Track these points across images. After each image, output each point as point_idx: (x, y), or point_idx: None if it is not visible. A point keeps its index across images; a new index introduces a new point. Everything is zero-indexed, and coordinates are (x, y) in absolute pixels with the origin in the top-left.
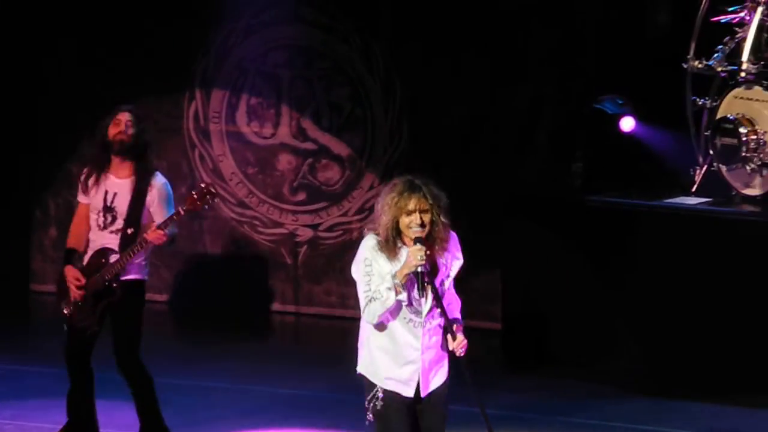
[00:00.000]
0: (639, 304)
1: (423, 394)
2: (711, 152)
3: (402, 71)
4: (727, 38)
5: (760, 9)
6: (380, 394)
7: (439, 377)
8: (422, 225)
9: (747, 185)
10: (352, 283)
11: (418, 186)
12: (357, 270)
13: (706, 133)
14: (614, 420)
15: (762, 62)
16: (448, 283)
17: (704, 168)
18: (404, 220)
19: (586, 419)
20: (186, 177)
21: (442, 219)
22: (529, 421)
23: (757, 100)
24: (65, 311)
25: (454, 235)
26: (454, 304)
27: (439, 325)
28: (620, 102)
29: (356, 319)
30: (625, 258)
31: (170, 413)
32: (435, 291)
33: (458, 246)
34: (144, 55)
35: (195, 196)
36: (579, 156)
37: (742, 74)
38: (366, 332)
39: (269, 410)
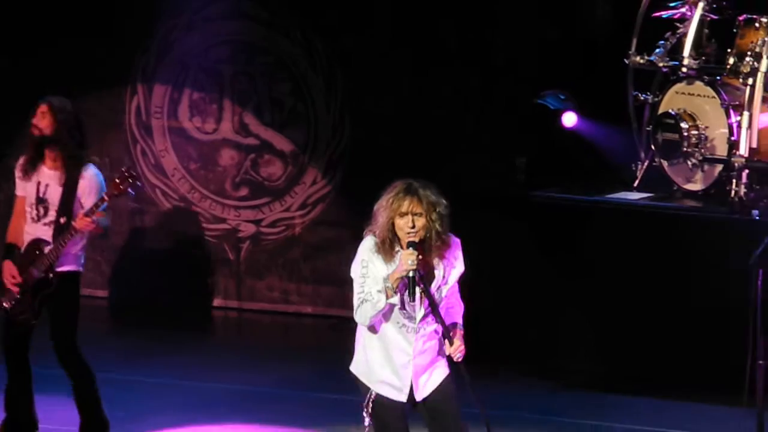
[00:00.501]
0: (583, 299)
1: (418, 398)
2: (653, 147)
3: (344, 66)
4: (668, 34)
5: (701, 5)
6: (374, 397)
7: (435, 377)
8: (414, 228)
9: (688, 180)
10: (295, 279)
11: (415, 189)
12: (354, 270)
13: (647, 129)
14: (558, 415)
15: (703, 57)
16: (447, 290)
17: (646, 163)
18: (398, 223)
19: (530, 413)
20: None
21: (438, 225)
22: (469, 415)
23: (699, 95)
24: (5, 305)
25: (456, 241)
26: (456, 308)
27: (435, 331)
28: (562, 97)
29: (299, 315)
30: (568, 253)
31: (111, 408)
32: (430, 297)
33: (459, 253)
34: (85, 50)
35: (117, 180)
36: (522, 151)
37: (684, 69)
38: (361, 333)
39: (211, 405)
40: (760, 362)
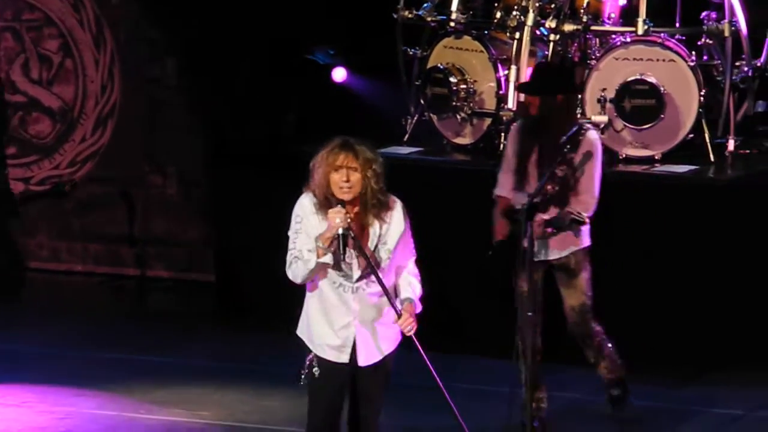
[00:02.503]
0: None
1: (361, 363)
2: (422, 102)
3: (112, 22)
4: None
5: None
6: (314, 362)
7: (383, 345)
8: (348, 182)
9: (458, 134)
10: (66, 237)
11: (351, 144)
12: (290, 227)
13: (417, 83)
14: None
15: (471, 12)
16: (390, 253)
17: (415, 118)
18: (334, 177)
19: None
20: None
21: (374, 182)
22: (232, 371)
23: (467, 49)
24: None
25: (396, 201)
26: (411, 281)
27: (379, 294)
28: (331, 52)
29: (69, 273)
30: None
31: None
32: (365, 255)
33: (399, 214)
34: None
35: None
36: (291, 106)
37: (452, 24)
38: (305, 295)
39: None
40: (530, 313)
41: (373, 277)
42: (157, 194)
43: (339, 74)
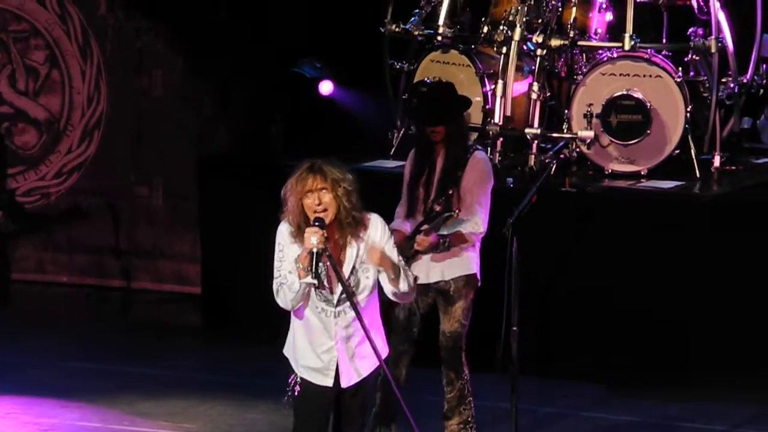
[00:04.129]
0: None
1: (344, 384)
2: (409, 116)
3: (98, 34)
4: (423, 2)
5: None
6: (298, 382)
7: (363, 367)
8: (320, 204)
9: None
10: (50, 248)
11: (318, 166)
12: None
13: (403, 97)
14: None
15: (458, 26)
16: (367, 272)
17: (402, 131)
18: (306, 203)
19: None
20: None
21: (345, 201)
22: (217, 383)
23: (453, 63)
24: None
25: (371, 218)
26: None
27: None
28: (318, 65)
29: (55, 285)
30: None
31: None
32: (340, 280)
33: (378, 229)
34: None
35: None
36: (278, 119)
37: (439, 38)
38: (291, 316)
39: None
40: (514, 328)
41: (355, 299)
42: (144, 206)
43: (326, 87)
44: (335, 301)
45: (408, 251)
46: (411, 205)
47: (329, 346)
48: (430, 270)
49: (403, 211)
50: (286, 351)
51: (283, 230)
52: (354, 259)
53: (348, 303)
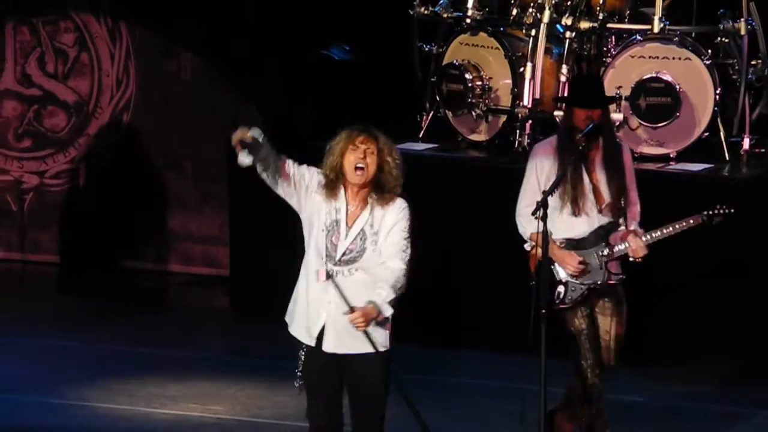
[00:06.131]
0: None
1: (325, 348)
2: (437, 98)
3: (128, 16)
4: None
5: None
6: (301, 358)
7: (356, 343)
8: (364, 159)
9: (473, 131)
10: (79, 228)
11: (372, 129)
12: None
13: (432, 80)
14: None
15: (487, 9)
16: (375, 237)
17: (431, 114)
18: (349, 157)
19: None
20: None
21: (394, 170)
22: (246, 366)
23: (483, 46)
24: None
25: (401, 200)
26: (385, 277)
27: (362, 285)
28: (347, 48)
29: (86, 268)
30: None
31: None
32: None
33: (400, 213)
34: None
35: None
36: (307, 102)
37: (468, 21)
38: (299, 277)
39: None
40: (543, 311)
41: (355, 267)
42: (173, 189)
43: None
44: (337, 258)
45: (602, 258)
46: (577, 204)
47: (324, 301)
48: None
49: (559, 212)
50: (287, 316)
51: (315, 174)
52: (364, 224)
53: (349, 266)
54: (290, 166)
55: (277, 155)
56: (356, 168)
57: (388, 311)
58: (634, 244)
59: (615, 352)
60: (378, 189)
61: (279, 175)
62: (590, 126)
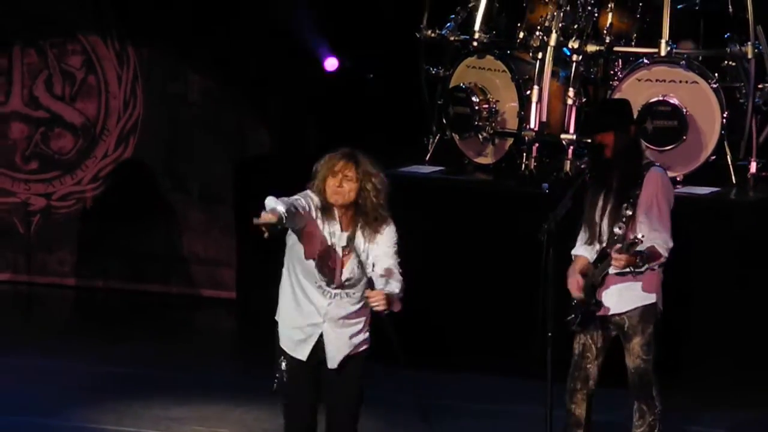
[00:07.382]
0: None
1: (330, 365)
2: (444, 121)
3: (135, 39)
4: (458, 8)
5: None
6: (283, 365)
7: (348, 347)
8: (340, 188)
9: (480, 154)
10: (86, 250)
11: (354, 154)
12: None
13: (439, 102)
14: None
15: (494, 32)
16: (369, 264)
17: (437, 137)
18: (329, 182)
19: None
20: None
21: (374, 196)
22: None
23: (489, 69)
24: None
25: (391, 224)
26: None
27: (356, 312)
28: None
29: (93, 290)
30: None
31: None
32: (359, 260)
33: (391, 235)
34: None
35: None
36: (313, 123)
37: (475, 44)
38: (283, 283)
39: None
40: (549, 334)
41: (352, 291)
42: (179, 210)
43: (330, 63)
44: (335, 285)
45: (597, 278)
46: (591, 230)
47: (317, 321)
48: (608, 301)
49: (585, 237)
50: (278, 317)
51: (314, 197)
52: (360, 251)
53: (345, 290)
54: (302, 204)
55: (293, 204)
56: (334, 193)
57: (397, 307)
58: (614, 254)
59: (631, 384)
60: (361, 213)
61: (297, 217)
62: (584, 152)
